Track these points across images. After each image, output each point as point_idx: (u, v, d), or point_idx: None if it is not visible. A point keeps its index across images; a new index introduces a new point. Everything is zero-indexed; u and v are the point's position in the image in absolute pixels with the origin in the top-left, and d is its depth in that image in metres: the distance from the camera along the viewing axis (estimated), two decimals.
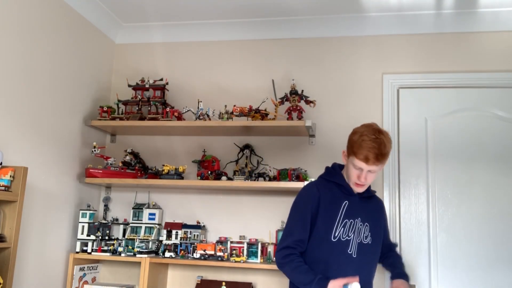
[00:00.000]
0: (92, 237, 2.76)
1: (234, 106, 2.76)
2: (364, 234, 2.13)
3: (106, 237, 2.83)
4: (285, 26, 3.03)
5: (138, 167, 2.89)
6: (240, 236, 2.84)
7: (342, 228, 2.09)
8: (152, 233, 2.81)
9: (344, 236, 2.09)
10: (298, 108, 2.72)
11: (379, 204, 2.31)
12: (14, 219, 2.04)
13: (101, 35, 3.10)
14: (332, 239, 2.07)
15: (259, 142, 2.96)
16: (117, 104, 2.97)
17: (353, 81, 2.94)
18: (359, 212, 2.15)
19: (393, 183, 2.77)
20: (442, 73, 2.84)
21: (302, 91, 2.76)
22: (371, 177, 2.08)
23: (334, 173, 2.22)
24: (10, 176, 2.05)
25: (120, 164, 2.88)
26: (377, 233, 2.19)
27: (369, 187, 2.22)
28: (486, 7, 2.77)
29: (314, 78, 2.98)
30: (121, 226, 2.90)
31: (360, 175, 2.07)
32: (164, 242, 2.78)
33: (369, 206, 2.21)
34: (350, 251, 2.08)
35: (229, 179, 2.75)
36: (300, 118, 2.70)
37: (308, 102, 2.74)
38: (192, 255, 2.70)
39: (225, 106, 2.89)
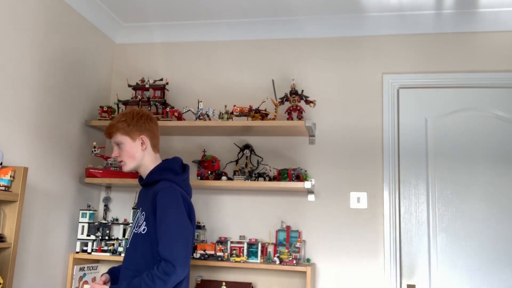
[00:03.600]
0: (92, 237, 2.76)
1: (234, 106, 2.76)
2: (139, 223, 2.06)
3: (106, 237, 2.82)
4: (285, 26, 3.03)
5: None
6: (240, 236, 2.85)
7: (133, 222, 2.16)
8: None
9: (132, 230, 2.11)
10: (298, 108, 2.72)
11: (155, 192, 2.03)
12: (14, 219, 2.04)
13: (101, 35, 3.10)
14: (127, 236, 2.13)
15: (259, 142, 2.96)
16: (117, 104, 2.97)
17: (353, 81, 2.94)
18: (141, 201, 2.15)
19: (393, 183, 2.77)
20: (442, 73, 2.85)
21: (302, 91, 2.76)
22: (122, 152, 2.13)
23: None
24: (10, 176, 2.05)
25: None
26: (151, 222, 2.01)
27: (150, 173, 2.14)
28: (486, 7, 2.77)
29: (314, 78, 2.98)
30: (121, 226, 2.90)
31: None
32: None
33: (149, 193, 2.09)
34: (128, 244, 2.10)
35: (229, 179, 2.75)
36: (300, 118, 2.71)
37: (308, 102, 2.74)
38: (192, 255, 2.70)
39: (225, 106, 2.89)
